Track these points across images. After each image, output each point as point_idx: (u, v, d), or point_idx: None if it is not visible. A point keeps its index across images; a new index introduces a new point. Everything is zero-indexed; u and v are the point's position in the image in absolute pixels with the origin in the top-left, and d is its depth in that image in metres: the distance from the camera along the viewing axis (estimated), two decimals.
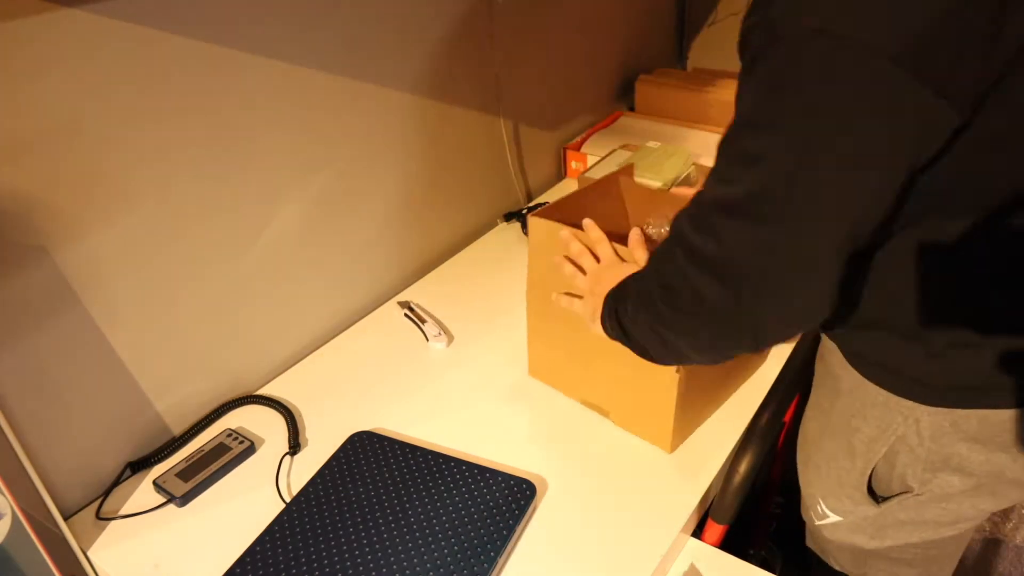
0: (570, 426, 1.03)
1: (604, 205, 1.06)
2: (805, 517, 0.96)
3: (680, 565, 0.88)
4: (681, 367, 0.87)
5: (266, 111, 1.03)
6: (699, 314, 0.66)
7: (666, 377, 0.89)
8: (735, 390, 1.05)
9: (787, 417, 1.12)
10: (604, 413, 1.02)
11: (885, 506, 0.82)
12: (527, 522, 0.89)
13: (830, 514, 0.88)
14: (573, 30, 1.63)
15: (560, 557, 0.85)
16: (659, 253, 0.72)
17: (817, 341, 0.91)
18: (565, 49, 1.62)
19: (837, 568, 0.95)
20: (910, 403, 0.75)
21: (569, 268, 0.92)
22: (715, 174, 0.64)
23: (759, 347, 0.67)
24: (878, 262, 0.70)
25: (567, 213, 0.97)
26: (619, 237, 0.91)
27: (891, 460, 0.79)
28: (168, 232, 0.96)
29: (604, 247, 0.90)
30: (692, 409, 0.96)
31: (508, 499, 0.89)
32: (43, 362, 0.88)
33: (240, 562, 0.84)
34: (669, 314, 0.69)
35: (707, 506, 0.94)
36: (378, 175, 1.25)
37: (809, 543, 1.01)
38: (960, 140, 0.57)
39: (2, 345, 0.84)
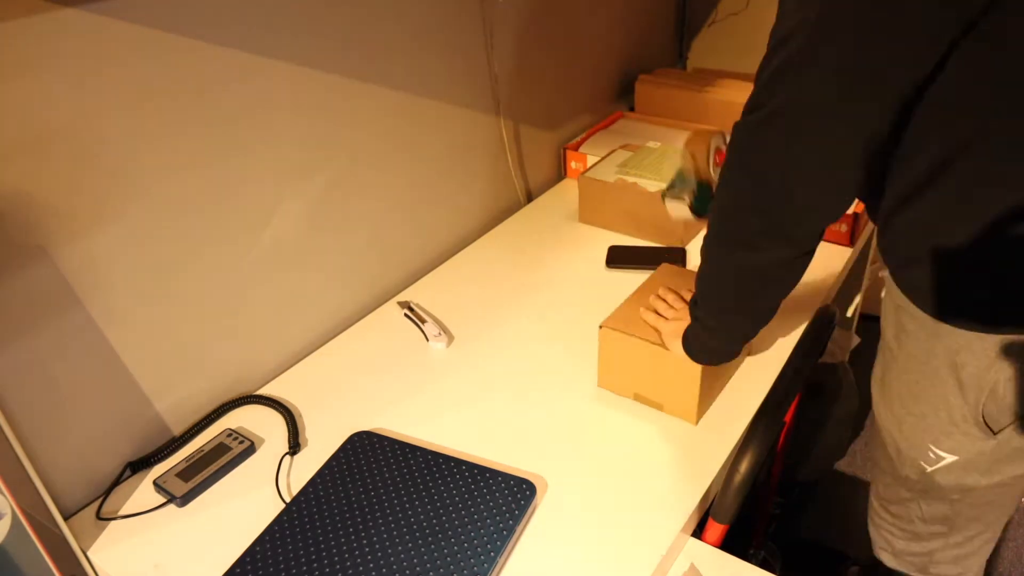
0: (570, 426, 1.03)
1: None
2: (910, 472, 0.95)
3: (680, 565, 0.88)
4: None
5: (266, 112, 1.04)
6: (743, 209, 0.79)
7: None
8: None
9: (787, 417, 1.12)
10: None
11: (1001, 436, 0.84)
12: (527, 522, 0.89)
13: (945, 455, 0.89)
14: (573, 30, 1.63)
15: (560, 557, 0.85)
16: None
17: (826, 340, 0.91)
18: (565, 49, 1.63)
19: (931, 520, 0.97)
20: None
21: (650, 316, 1.04)
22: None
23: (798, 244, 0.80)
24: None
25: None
26: None
27: (997, 391, 0.82)
28: (168, 232, 0.97)
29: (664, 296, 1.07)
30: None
31: (508, 499, 0.89)
32: (43, 362, 0.88)
33: (240, 562, 0.84)
34: (721, 228, 0.82)
35: (707, 506, 0.94)
36: (378, 175, 1.25)
37: (883, 511, 1.02)
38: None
39: (2, 345, 0.84)
